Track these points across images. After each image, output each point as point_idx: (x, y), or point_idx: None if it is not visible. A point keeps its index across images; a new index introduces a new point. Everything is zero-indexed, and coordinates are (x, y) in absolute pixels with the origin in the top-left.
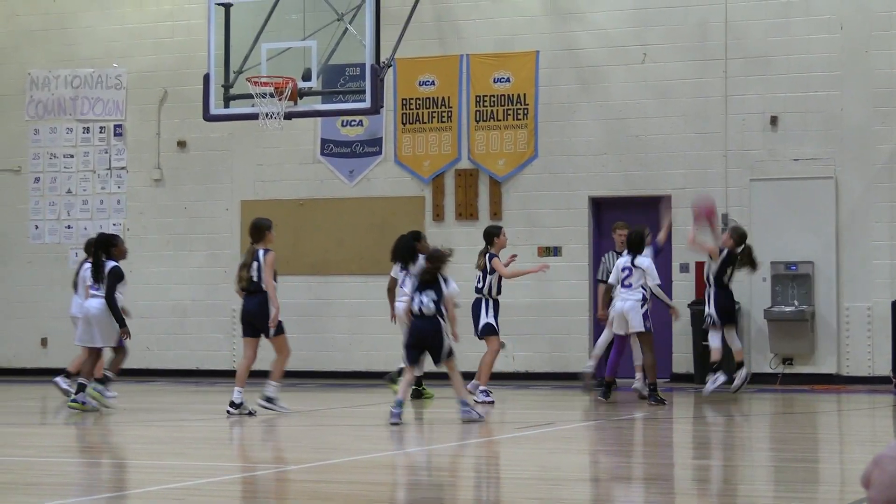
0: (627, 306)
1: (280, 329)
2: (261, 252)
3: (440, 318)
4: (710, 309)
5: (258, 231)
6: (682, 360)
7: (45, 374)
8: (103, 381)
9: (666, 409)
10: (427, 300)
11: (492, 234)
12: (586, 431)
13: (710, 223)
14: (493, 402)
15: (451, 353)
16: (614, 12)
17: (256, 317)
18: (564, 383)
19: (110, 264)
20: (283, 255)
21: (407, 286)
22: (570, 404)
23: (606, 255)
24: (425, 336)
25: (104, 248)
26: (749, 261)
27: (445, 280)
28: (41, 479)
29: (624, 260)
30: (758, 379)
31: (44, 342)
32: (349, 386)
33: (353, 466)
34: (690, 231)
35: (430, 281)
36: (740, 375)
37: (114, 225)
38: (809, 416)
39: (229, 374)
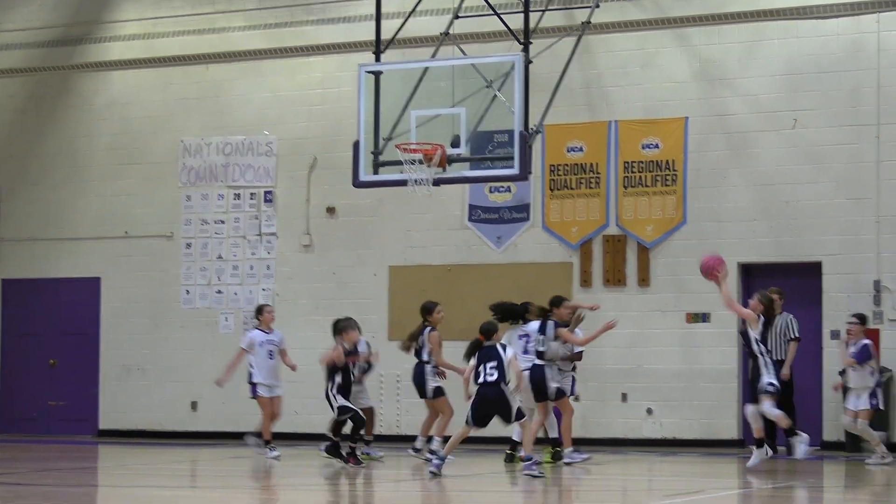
0: None
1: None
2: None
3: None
4: (770, 378)
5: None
6: (833, 428)
7: (195, 437)
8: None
9: (816, 478)
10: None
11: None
12: (735, 500)
13: (715, 279)
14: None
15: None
16: (764, 78)
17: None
18: (713, 451)
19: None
20: None
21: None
22: (719, 472)
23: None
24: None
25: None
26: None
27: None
28: None
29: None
30: None
31: (194, 406)
32: (499, 451)
33: None
34: (723, 292)
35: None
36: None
37: (263, 290)
38: None
39: (378, 437)
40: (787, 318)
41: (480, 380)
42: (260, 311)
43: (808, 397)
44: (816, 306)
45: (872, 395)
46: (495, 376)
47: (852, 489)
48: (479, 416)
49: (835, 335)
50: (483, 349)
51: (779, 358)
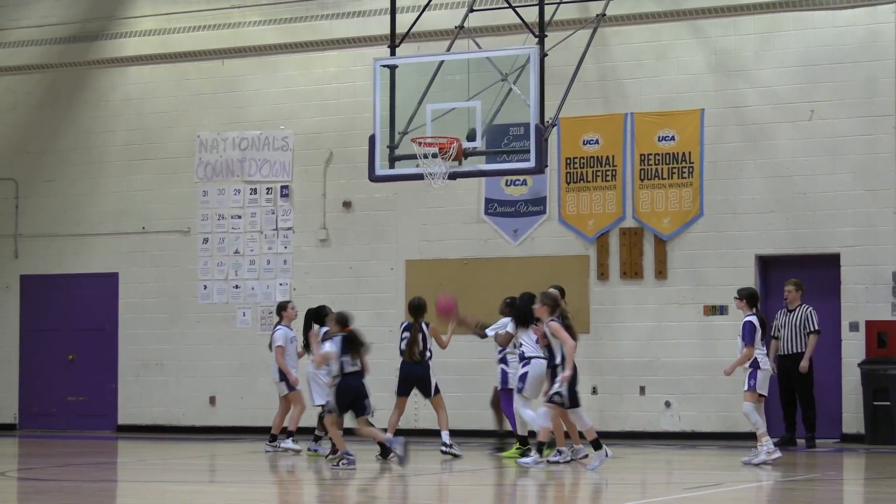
0: None
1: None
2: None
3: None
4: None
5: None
6: (853, 420)
7: (214, 432)
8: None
9: (836, 471)
10: None
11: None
12: (755, 493)
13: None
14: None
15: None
16: (780, 69)
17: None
18: (732, 443)
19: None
20: None
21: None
22: (738, 465)
23: (779, 312)
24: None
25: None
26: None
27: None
28: None
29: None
30: None
31: (212, 400)
32: (511, 446)
33: None
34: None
35: None
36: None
37: (280, 285)
38: None
39: (397, 431)
40: (806, 311)
41: None
42: (284, 307)
43: (827, 390)
44: (835, 298)
45: (751, 375)
46: None
47: (873, 482)
48: None
49: (853, 327)
50: None
51: (798, 350)
